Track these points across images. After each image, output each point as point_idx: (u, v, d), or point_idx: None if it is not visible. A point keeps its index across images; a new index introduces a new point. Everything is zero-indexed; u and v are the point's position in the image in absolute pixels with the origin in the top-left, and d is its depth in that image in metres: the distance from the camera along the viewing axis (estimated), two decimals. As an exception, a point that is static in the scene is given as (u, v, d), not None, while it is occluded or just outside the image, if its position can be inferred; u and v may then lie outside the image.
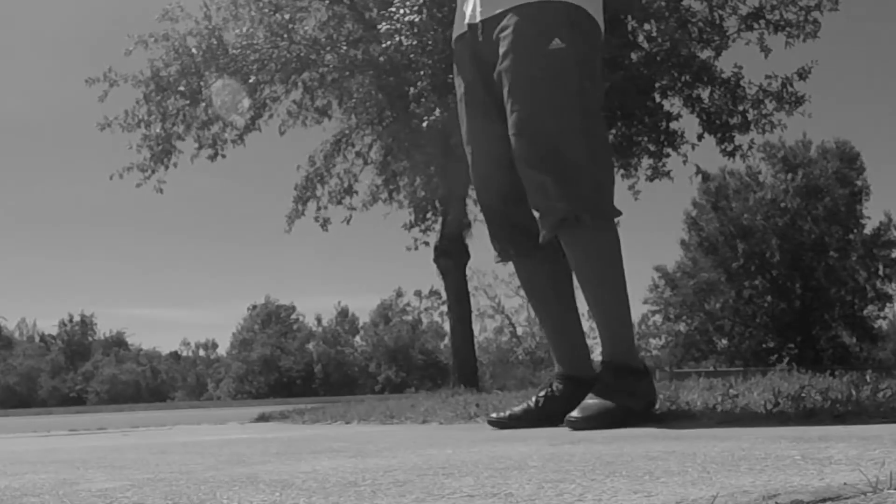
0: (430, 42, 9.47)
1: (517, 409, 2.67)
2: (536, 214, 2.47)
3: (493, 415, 2.74)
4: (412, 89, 9.91)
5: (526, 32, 2.41)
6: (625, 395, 2.35)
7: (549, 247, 2.54)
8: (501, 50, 2.45)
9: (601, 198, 2.46)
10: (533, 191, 2.45)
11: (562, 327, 2.70)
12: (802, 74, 10.97)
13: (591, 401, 2.33)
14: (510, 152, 2.48)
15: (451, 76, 2.80)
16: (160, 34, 10.88)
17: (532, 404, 2.63)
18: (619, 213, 2.49)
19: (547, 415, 2.54)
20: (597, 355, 2.77)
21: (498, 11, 2.47)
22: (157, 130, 11.04)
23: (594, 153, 2.45)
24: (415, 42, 9.57)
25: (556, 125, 2.41)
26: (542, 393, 2.64)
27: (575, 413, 2.29)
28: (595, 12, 2.52)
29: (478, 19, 2.53)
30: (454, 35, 2.72)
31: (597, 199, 2.44)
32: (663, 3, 10.66)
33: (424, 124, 9.37)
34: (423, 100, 9.76)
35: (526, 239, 2.59)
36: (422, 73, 9.76)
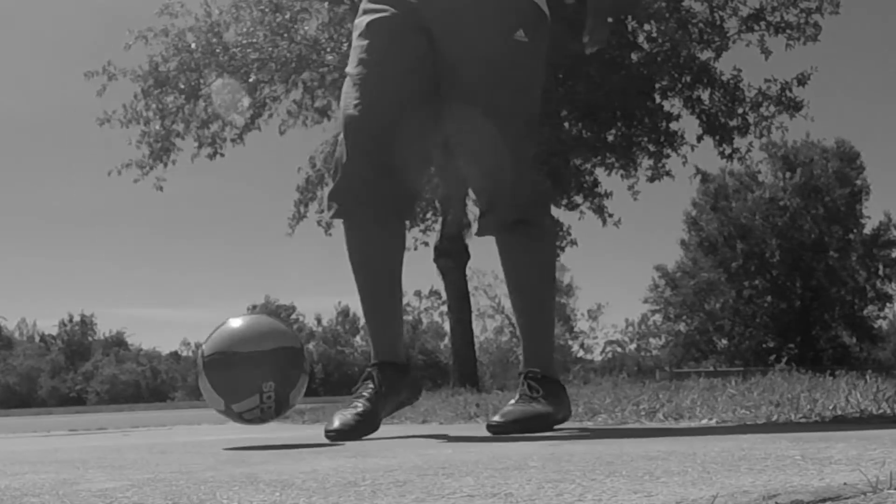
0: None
1: (348, 417, 2.29)
2: (483, 208, 2.39)
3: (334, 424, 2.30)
4: None
5: (494, 19, 2.28)
6: (547, 402, 2.33)
7: (397, 221, 2.38)
8: (460, 30, 2.28)
9: (547, 204, 2.48)
10: (487, 185, 2.37)
11: (390, 312, 2.47)
12: (802, 80, 10.97)
13: (513, 407, 2.32)
14: (417, 104, 2.30)
15: None
16: (159, 29, 10.89)
17: (361, 411, 2.30)
18: (551, 225, 2.47)
19: (381, 409, 2.35)
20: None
21: None
22: (157, 128, 11.05)
23: (533, 151, 2.40)
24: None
25: (515, 115, 2.31)
26: (366, 394, 2.35)
27: (496, 418, 2.27)
28: (546, 9, 2.40)
29: None
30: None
31: (547, 205, 2.46)
32: (664, 4, 10.66)
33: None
34: None
35: (383, 204, 2.30)
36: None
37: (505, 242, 2.43)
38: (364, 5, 2.37)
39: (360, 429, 2.26)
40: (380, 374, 2.36)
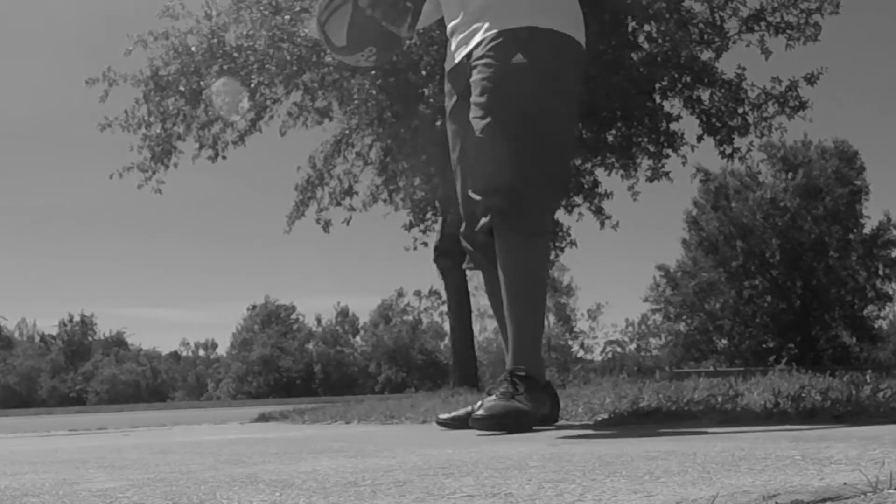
0: (435, 42, 9.47)
1: (462, 411, 2.78)
2: (480, 208, 2.60)
3: (442, 416, 2.86)
4: (426, 91, 9.89)
5: (491, 53, 2.59)
6: (527, 400, 2.41)
7: None
8: (477, 69, 2.63)
9: (539, 207, 2.56)
10: (478, 183, 2.60)
11: None
12: (811, 80, 10.92)
13: (494, 402, 2.38)
14: None
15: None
16: (160, 32, 10.86)
17: (476, 407, 2.74)
18: (550, 231, 2.64)
19: None
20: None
21: (475, 44, 2.66)
22: (158, 130, 11.03)
23: (546, 164, 2.57)
24: (418, 42, 9.56)
25: (513, 128, 2.54)
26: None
27: (479, 412, 2.35)
28: (570, 28, 2.67)
29: (464, 55, 2.71)
30: (447, 68, 2.88)
31: (535, 207, 2.54)
32: (664, 4, 10.64)
33: (438, 123, 9.33)
34: (431, 100, 9.73)
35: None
36: (425, 73, 9.76)
37: (496, 241, 2.57)
38: (445, 86, 2.88)
39: (455, 425, 2.72)
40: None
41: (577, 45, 2.67)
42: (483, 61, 2.61)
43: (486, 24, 2.64)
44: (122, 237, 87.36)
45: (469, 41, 2.70)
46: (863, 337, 39.87)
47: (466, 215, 2.78)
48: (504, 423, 2.29)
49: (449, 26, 2.85)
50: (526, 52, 2.56)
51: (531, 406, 2.40)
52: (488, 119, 2.55)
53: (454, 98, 2.80)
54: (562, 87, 2.62)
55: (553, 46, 2.61)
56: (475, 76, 2.62)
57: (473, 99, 2.61)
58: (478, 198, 2.59)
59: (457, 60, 2.76)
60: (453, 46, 2.80)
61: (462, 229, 2.81)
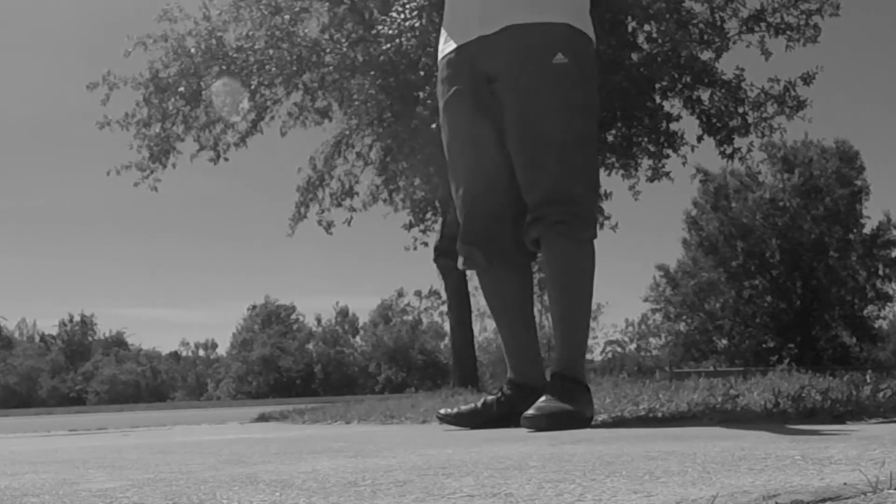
0: (431, 44, 9.48)
1: (465, 408, 2.81)
2: (530, 216, 2.55)
3: (443, 410, 2.88)
4: (422, 93, 9.90)
5: (532, 46, 2.53)
6: (575, 402, 2.45)
7: (516, 260, 2.69)
8: (503, 63, 2.55)
9: (591, 211, 2.61)
10: (531, 192, 2.54)
11: (521, 340, 2.79)
12: (807, 79, 10.92)
13: (545, 403, 2.41)
14: (501, 166, 2.61)
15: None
16: (158, 34, 10.86)
17: (479, 405, 2.77)
18: (596, 236, 2.62)
19: (494, 417, 2.69)
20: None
21: (498, 29, 2.56)
22: (157, 130, 11.03)
23: (589, 167, 2.61)
24: (415, 43, 9.57)
25: (559, 131, 2.51)
26: (492, 397, 2.77)
27: (531, 411, 2.37)
28: (589, 29, 2.66)
29: (474, 36, 2.60)
30: (441, 54, 2.75)
31: (588, 212, 2.58)
32: (663, 5, 10.64)
33: (434, 126, 9.35)
34: (430, 101, 9.75)
35: (498, 252, 2.69)
36: (423, 73, 9.77)
37: (547, 247, 2.56)
38: (440, 73, 2.75)
39: (457, 421, 2.76)
40: (507, 388, 2.74)
41: (593, 45, 2.67)
42: (521, 59, 2.52)
43: (509, 13, 2.54)
44: (122, 237, 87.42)
45: (481, 27, 2.59)
46: (863, 337, 39.84)
47: (472, 214, 2.69)
48: (554, 422, 2.32)
49: (451, 13, 2.72)
50: (566, 50, 2.52)
51: (579, 407, 2.44)
52: (539, 126, 2.51)
53: (454, 87, 2.66)
54: (594, 88, 2.63)
55: (586, 45, 2.60)
56: (512, 75, 2.53)
57: (515, 102, 2.53)
58: (545, 210, 2.51)
59: (460, 43, 2.64)
60: (457, 30, 2.67)
61: (464, 230, 2.71)
